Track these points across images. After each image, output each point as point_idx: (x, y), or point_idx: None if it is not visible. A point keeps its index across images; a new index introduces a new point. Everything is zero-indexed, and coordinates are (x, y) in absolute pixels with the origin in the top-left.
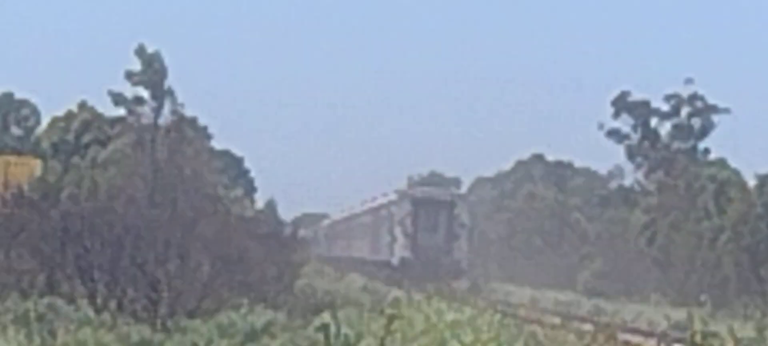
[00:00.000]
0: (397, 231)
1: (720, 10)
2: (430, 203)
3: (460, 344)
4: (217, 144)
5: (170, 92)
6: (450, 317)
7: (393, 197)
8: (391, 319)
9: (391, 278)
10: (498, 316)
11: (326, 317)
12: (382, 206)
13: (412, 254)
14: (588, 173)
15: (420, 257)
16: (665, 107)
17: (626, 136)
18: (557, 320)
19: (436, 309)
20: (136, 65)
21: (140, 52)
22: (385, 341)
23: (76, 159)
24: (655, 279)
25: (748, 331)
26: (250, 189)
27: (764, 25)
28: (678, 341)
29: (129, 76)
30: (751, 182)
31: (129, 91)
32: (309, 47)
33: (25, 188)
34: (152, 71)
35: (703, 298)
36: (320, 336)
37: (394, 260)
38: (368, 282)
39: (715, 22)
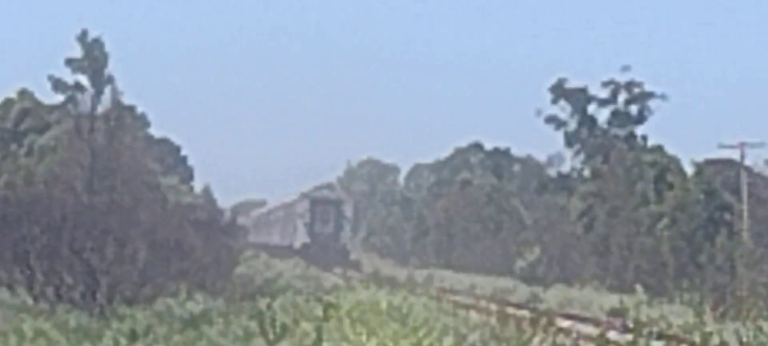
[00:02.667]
0: (299, 223)
1: None
2: (323, 202)
3: (394, 329)
4: (155, 132)
5: (110, 79)
6: (385, 303)
7: (296, 197)
8: (328, 306)
9: (295, 257)
10: (434, 302)
11: (263, 303)
12: (289, 204)
13: (310, 240)
14: (527, 161)
15: (316, 243)
16: (603, 94)
17: (564, 123)
18: (494, 307)
19: (372, 296)
20: (77, 52)
21: (82, 38)
22: (321, 327)
23: (13, 146)
24: (593, 265)
25: (686, 316)
26: (188, 177)
27: (700, 12)
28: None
29: (69, 62)
30: (689, 169)
31: (69, 77)
32: (247, 33)
33: None
34: (92, 58)
35: (637, 286)
36: (260, 321)
37: (297, 245)
38: (306, 269)
39: (651, 8)
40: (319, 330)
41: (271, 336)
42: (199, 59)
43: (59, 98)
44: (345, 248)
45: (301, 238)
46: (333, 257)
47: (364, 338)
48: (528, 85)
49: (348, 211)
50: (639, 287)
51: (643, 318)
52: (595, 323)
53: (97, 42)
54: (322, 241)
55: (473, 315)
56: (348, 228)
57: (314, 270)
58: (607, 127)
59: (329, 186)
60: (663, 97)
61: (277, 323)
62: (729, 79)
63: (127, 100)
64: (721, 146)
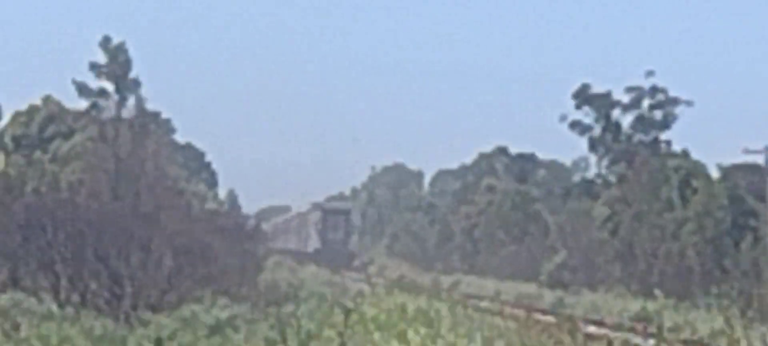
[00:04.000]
0: (312, 230)
1: (680, 2)
2: (333, 212)
3: (419, 336)
4: (180, 138)
5: (135, 84)
6: (411, 309)
7: (310, 207)
8: (351, 313)
9: (309, 260)
10: (460, 307)
11: (289, 309)
12: (303, 213)
13: (322, 246)
14: (552, 165)
15: (326, 248)
16: (626, 99)
17: (588, 129)
18: (520, 312)
19: (398, 302)
20: (101, 58)
21: (104, 43)
22: (344, 334)
23: (38, 153)
24: (618, 271)
25: (712, 322)
26: (213, 183)
27: (724, 16)
28: (631, 330)
29: (93, 67)
30: (714, 174)
31: (93, 83)
32: (273, 40)
33: None
34: (117, 64)
35: (656, 292)
36: (282, 329)
37: (310, 250)
38: (331, 275)
39: (675, 13)
40: (342, 336)
41: (295, 343)
42: (224, 65)
43: (84, 104)
44: (353, 253)
45: (313, 244)
46: (342, 261)
47: (392, 344)
48: (552, 91)
49: (356, 220)
50: (660, 292)
51: (669, 323)
52: (621, 328)
53: (121, 47)
54: (332, 246)
55: (499, 321)
56: (356, 235)
57: (339, 277)
58: (632, 133)
59: (340, 197)
60: (688, 103)
61: (302, 330)
62: (754, 84)
63: (151, 105)
64: (747, 151)
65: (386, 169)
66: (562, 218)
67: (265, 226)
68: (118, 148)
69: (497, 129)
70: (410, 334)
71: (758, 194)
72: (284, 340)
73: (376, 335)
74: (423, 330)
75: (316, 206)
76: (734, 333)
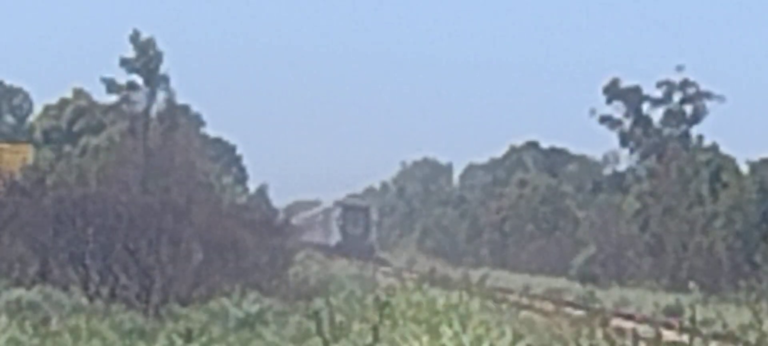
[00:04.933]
0: (334, 225)
1: None
2: (353, 209)
3: (451, 330)
4: (210, 131)
5: (165, 79)
6: (442, 303)
7: (332, 204)
8: (384, 306)
9: (333, 252)
10: (490, 302)
11: (319, 303)
12: (327, 210)
13: (343, 239)
14: (582, 160)
15: (347, 241)
16: (657, 93)
17: (618, 123)
18: (550, 306)
19: (429, 296)
20: (131, 52)
21: (134, 38)
22: (377, 327)
23: (67, 147)
24: (648, 265)
25: (741, 316)
26: (243, 177)
27: (755, 10)
28: (668, 326)
29: (123, 63)
30: (744, 168)
31: (123, 77)
32: (303, 33)
33: (18, 175)
34: (146, 58)
35: (691, 285)
36: (312, 323)
37: (332, 243)
38: (360, 270)
39: (705, 7)
40: (375, 330)
41: (326, 336)
42: (254, 59)
43: (113, 98)
44: (371, 245)
45: (335, 237)
46: (361, 253)
47: (423, 338)
48: (582, 85)
49: (374, 215)
50: (692, 285)
51: (699, 318)
52: (653, 322)
53: (150, 42)
54: (352, 240)
55: (529, 315)
56: (374, 229)
57: (369, 270)
58: (662, 127)
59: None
60: (720, 99)
61: (333, 324)
62: None
63: (181, 99)
64: None
65: (416, 164)
66: (592, 212)
67: (294, 220)
68: (148, 141)
69: (527, 123)
70: (442, 328)
71: None
72: (318, 333)
73: (408, 329)
74: (455, 324)
75: (338, 204)
76: (763, 326)
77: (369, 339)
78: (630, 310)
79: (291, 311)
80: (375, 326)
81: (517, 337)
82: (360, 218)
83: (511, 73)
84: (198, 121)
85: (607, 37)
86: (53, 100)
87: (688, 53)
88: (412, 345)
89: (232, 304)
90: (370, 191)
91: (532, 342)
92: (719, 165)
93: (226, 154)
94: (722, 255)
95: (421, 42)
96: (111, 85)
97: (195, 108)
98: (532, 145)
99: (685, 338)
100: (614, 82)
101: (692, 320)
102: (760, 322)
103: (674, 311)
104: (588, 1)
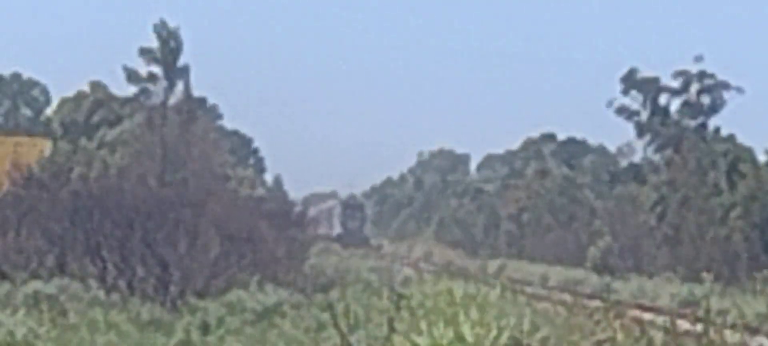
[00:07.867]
0: (336, 219)
1: None
2: (351, 206)
3: (468, 321)
4: (227, 124)
5: (184, 71)
6: (459, 294)
7: (334, 201)
8: (400, 297)
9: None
10: (508, 293)
11: (335, 295)
12: (331, 206)
13: (343, 230)
14: (599, 151)
15: (346, 232)
16: (674, 84)
17: (636, 113)
18: (567, 297)
19: (446, 287)
20: (149, 42)
21: (160, 28)
22: (393, 319)
23: (85, 140)
24: (665, 255)
25: (758, 306)
26: (260, 169)
27: None
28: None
29: (143, 53)
30: (762, 159)
31: (143, 69)
32: (320, 27)
33: (35, 168)
34: (167, 49)
35: (704, 275)
36: (333, 314)
37: (334, 234)
38: (377, 261)
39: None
40: (391, 321)
41: (343, 327)
42: (270, 51)
43: (132, 90)
44: (367, 236)
45: (336, 229)
46: (358, 242)
47: (439, 328)
48: (599, 75)
49: (368, 211)
50: (708, 276)
51: (716, 308)
52: (670, 313)
53: (174, 32)
54: (350, 232)
55: (546, 305)
56: (369, 222)
57: (386, 263)
58: (679, 118)
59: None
60: (739, 90)
61: (350, 315)
62: None
63: (198, 91)
64: None
65: (433, 155)
66: (610, 202)
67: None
68: (166, 134)
69: (545, 114)
70: (460, 318)
71: None
72: (335, 325)
73: (425, 320)
74: (473, 315)
75: (339, 201)
76: None
77: (385, 330)
78: (647, 301)
79: (308, 303)
80: (391, 317)
81: (535, 328)
82: (357, 214)
83: (528, 63)
84: (215, 113)
85: (625, 28)
86: (70, 93)
87: (706, 43)
88: (429, 335)
89: (249, 296)
90: (388, 182)
91: (549, 332)
92: (737, 156)
93: (243, 146)
94: (739, 246)
95: (438, 33)
96: (131, 76)
97: (212, 100)
98: (549, 136)
99: (699, 328)
100: (631, 73)
101: (707, 310)
102: None
103: (690, 302)
104: None
